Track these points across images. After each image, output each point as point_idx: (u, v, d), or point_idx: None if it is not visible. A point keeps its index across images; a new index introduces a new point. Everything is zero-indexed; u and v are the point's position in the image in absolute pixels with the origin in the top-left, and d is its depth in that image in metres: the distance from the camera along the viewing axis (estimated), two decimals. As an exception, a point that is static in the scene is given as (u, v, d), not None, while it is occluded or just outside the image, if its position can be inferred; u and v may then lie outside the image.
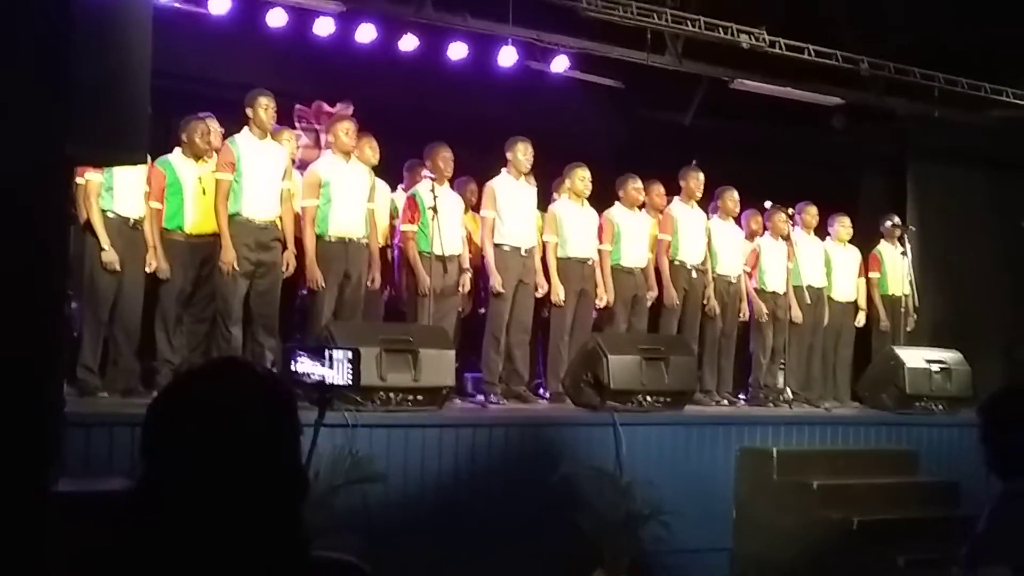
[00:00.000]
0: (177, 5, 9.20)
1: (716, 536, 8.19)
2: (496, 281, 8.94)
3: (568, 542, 7.20)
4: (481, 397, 8.96)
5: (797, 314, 10.56)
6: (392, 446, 7.01)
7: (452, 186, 9.19)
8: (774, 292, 10.55)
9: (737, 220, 10.56)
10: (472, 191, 9.55)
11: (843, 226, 11.05)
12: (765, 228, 10.65)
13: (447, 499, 7.16)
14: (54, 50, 4.25)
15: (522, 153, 9.15)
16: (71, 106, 4.37)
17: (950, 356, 10.19)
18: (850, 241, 11.14)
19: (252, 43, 10.05)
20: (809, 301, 10.59)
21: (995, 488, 3.76)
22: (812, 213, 10.90)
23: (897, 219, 11.43)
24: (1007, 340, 12.74)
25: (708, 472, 8.26)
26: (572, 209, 9.48)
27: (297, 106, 10.95)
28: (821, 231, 11.05)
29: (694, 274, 10.05)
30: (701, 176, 10.20)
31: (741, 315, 10.40)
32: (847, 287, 11.03)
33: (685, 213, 10.11)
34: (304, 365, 5.17)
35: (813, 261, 10.80)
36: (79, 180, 7.55)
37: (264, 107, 8.11)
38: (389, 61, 10.52)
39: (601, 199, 9.77)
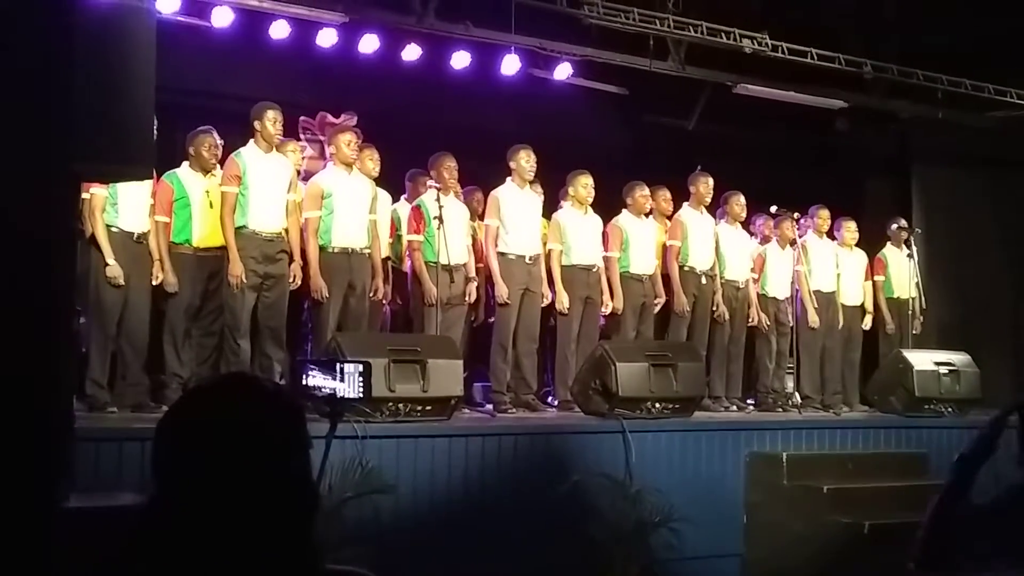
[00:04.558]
0: (180, 19, 9.20)
1: (727, 542, 8.18)
2: (502, 291, 8.94)
3: (578, 550, 7.18)
4: (490, 406, 8.95)
5: (813, 319, 10.56)
6: (401, 457, 7.00)
7: (459, 196, 9.21)
8: (775, 298, 10.55)
9: (744, 224, 10.56)
10: (479, 200, 9.56)
11: (848, 230, 11.04)
12: (775, 234, 10.65)
13: (457, 509, 7.16)
14: (57, 67, 4.26)
15: (525, 161, 9.14)
16: (75, 122, 4.38)
17: (958, 358, 10.19)
18: (856, 245, 11.14)
19: (255, 56, 10.05)
20: (816, 305, 10.59)
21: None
22: (824, 217, 10.91)
23: (903, 222, 11.44)
24: (1015, 340, 12.74)
25: (718, 478, 8.26)
26: (575, 216, 9.48)
27: (301, 118, 10.96)
28: (829, 235, 11.05)
29: (703, 280, 10.04)
30: (711, 181, 10.18)
31: (750, 320, 10.39)
32: (854, 291, 11.03)
33: (695, 219, 10.10)
34: (315, 379, 5.17)
35: (826, 265, 10.81)
36: (84, 195, 7.57)
37: (272, 120, 8.12)
38: (392, 71, 10.53)
39: (606, 206, 9.77)
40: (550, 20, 10.33)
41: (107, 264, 7.74)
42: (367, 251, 8.46)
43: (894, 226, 11.34)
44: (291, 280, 8.16)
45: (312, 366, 5.27)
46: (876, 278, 11.18)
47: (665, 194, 10.25)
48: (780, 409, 10.16)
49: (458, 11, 10.06)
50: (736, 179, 10.61)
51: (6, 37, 4.10)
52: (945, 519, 3.31)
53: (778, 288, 10.55)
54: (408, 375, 7.37)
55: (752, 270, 10.50)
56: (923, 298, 11.14)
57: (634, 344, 9.24)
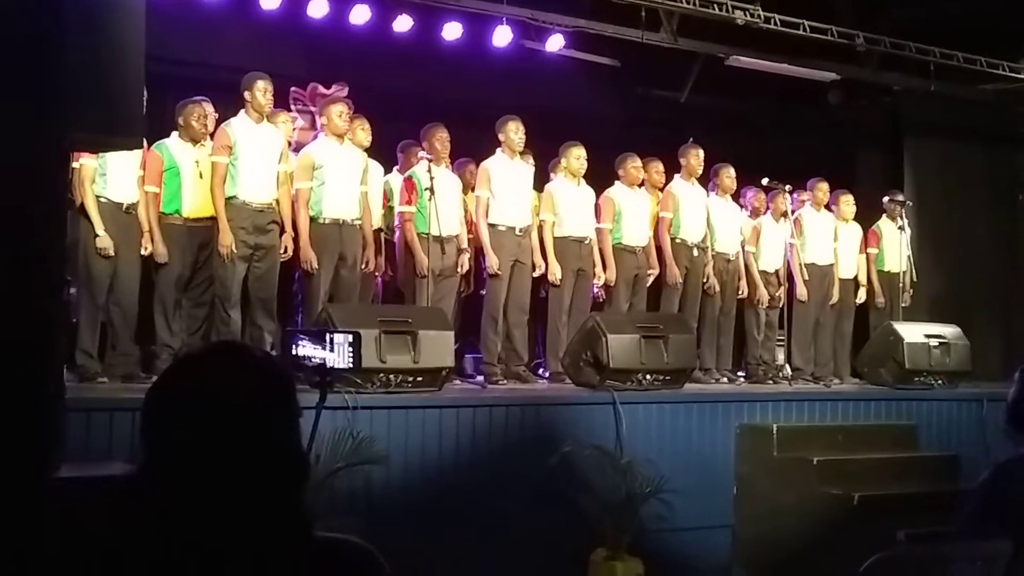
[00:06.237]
0: (171, -12, 9.15)
1: (717, 513, 8.20)
2: (492, 262, 8.93)
3: (569, 521, 7.20)
4: (481, 378, 8.96)
5: (802, 292, 10.56)
6: (392, 427, 7.01)
7: (452, 167, 9.18)
8: (765, 271, 10.55)
9: (735, 197, 10.55)
10: (471, 172, 9.51)
11: (847, 204, 11.02)
12: (767, 207, 10.64)
13: (447, 480, 7.17)
14: (47, 36, 4.23)
15: (514, 132, 9.10)
16: (65, 92, 4.35)
17: (949, 331, 10.20)
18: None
19: (246, 26, 10.01)
20: (808, 278, 10.59)
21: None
22: (823, 190, 10.88)
23: (900, 195, 11.41)
24: (1005, 313, 12.77)
25: (708, 450, 8.27)
26: (568, 188, 9.46)
27: (293, 88, 10.92)
28: (827, 207, 11.03)
29: (695, 252, 10.03)
30: (701, 153, 10.15)
31: (740, 293, 10.40)
32: (849, 264, 11.03)
33: (686, 191, 10.08)
34: (305, 349, 5.16)
35: (823, 238, 10.80)
36: (74, 165, 7.55)
37: (262, 90, 8.09)
38: (384, 42, 10.49)
39: (598, 177, 9.74)
40: (542, -9, 10.31)
41: (96, 235, 7.73)
42: (358, 222, 8.44)
43: (887, 199, 11.34)
44: (282, 251, 8.15)
45: (302, 336, 5.27)
46: (869, 250, 11.17)
47: (657, 166, 10.22)
48: (771, 381, 10.18)
49: (450, -19, 10.02)
50: (728, 151, 10.59)
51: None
52: None
53: (770, 261, 10.55)
54: (399, 346, 7.37)
55: (748, 243, 10.50)
56: (914, 271, 11.14)
57: (625, 316, 9.24)
